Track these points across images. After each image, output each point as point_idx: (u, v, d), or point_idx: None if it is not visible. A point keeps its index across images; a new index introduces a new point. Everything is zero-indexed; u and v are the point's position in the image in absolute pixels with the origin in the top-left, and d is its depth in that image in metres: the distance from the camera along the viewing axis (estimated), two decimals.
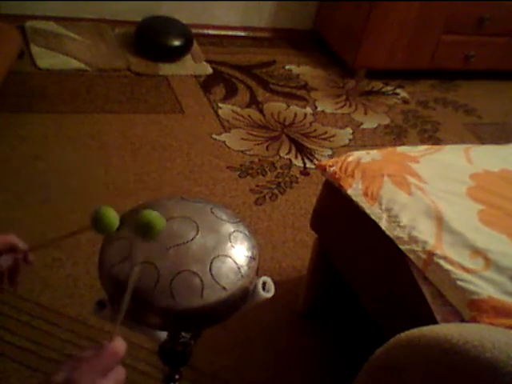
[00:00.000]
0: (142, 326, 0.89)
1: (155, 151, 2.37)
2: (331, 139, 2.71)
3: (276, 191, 2.31)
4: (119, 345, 0.67)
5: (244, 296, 0.88)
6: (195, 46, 3.11)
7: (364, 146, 2.63)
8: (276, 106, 2.86)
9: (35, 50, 2.78)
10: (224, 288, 0.84)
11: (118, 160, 2.28)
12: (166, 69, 2.93)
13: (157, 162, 2.32)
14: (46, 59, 2.74)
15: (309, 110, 2.89)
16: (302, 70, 3.23)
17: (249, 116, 2.74)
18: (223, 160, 2.40)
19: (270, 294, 0.91)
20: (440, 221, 1.31)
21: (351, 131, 2.79)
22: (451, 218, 1.32)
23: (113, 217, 0.81)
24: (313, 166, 2.48)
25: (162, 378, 1.11)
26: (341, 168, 1.51)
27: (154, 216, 0.79)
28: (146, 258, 0.85)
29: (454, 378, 0.88)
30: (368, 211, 1.39)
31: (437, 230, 1.30)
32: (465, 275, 1.20)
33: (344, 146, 2.67)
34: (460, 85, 3.40)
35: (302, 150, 2.59)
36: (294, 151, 2.57)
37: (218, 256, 0.86)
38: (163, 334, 1.00)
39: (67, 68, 2.74)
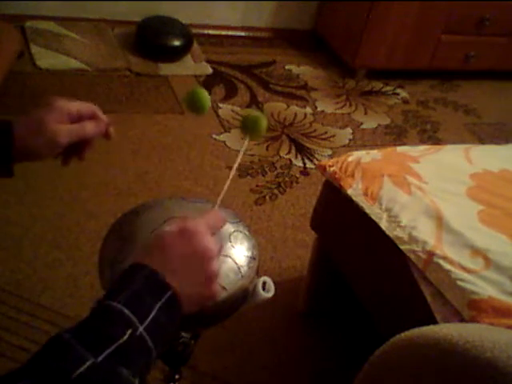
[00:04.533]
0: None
1: (155, 151, 2.37)
2: (331, 139, 2.71)
3: (276, 191, 2.31)
4: (222, 213, 0.73)
5: (244, 296, 0.88)
6: (195, 45, 3.11)
7: (364, 146, 2.63)
8: (276, 106, 2.86)
9: (35, 49, 2.78)
10: (224, 288, 0.84)
11: (118, 160, 2.28)
12: (166, 69, 2.92)
13: (157, 162, 2.32)
14: (46, 59, 2.74)
15: (309, 110, 2.89)
16: (302, 69, 3.23)
17: None
18: (223, 160, 2.40)
19: (270, 294, 0.90)
20: (440, 221, 1.31)
21: (351, 131, 2.79)
22: (451, 218, 1.32)
23: (206, 96, 0.86)
24: (313, 166, 2.48)
25: (162, 378, 1.11)
26: (341, 168, 1.51)
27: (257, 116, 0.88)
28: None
29: (454, 378, 0.88)
30: (368, 211, 1.40)
31: (437, 230, 1.30)
32: (465, 275, 1.20)
33: (344, 146, 2.67)
34: (460, 85, 3.40)
35: (302, 150, 2.59)
36: (293, 151, 2.57)
37: (218, 256, 0.86)
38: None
39: (67, 68, 2.74)
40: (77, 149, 0.85)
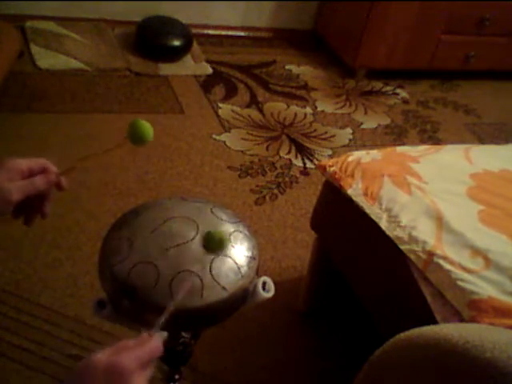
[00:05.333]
0: (142, 326, 0.89)
1: (155, 151, 2.37)
2: (331, 139, 2.71)
3: (276, 191, 2.31)
4: (159, 342, 0.68)
5: (244, 296, 0.88)
6: (195, 46, 3.11)
7: (364, 146, 2.63)
8: (276, 106, 2.86)
9: (35, 49, 2.78)
10: (224, 288, 0.84)
11: (118, 160, 2.28)
12: (166, 69, 2.92)
13: (157, 162, 2.32)
14: (46, 59, 2.74)
15: (309, 110, 2.89)
16: (302, 70, 3.23)
17: (249, 116, 2.73)
18: (223, 160, 2.40)
19: (270, 294, 0.91)
20: (440, 221, 1.31)
21: (351, 131, 2.79)
22: (451, 218, 1.31)
23: (148, 127, 0.86)
24: (313, 166, 2.48)
25: (162, 378, 1.11)
26: (341, 168, 1.51)
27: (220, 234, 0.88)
28: (146, 257, 0.85)
29: (454, 378, 0.88)
30: (368, 211, 1.39)
31: (437, 230, 1.30)
32: (465, 275, 1.20)
33: (344, 146, 2.67)
34: (460, 85, 3.40)
35: (302, 150, 2.59)
36: (293, 151, 2.57)
37: (218, 256, 0.86)
38: (163, 334, 1.00)
39: (67, 68, 2.74)
40: (36, 206, 0.87)
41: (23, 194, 0.80)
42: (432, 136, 2.88)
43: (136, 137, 0.85)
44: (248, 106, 2.81)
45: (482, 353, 0.82)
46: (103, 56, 2.87)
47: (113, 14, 3.09)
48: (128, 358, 0.63)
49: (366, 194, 1.42)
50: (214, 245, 0.86)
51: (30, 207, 0.85)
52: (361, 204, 1.41)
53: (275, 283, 0.91)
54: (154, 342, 0.68)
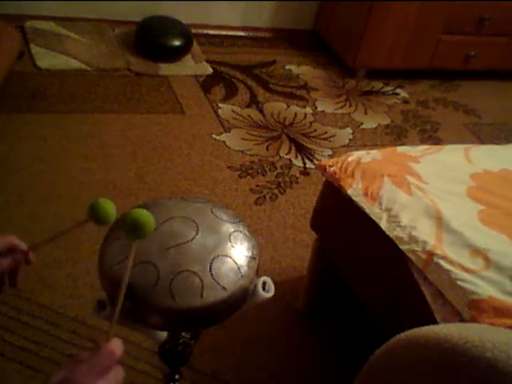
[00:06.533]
0: (142, 326, 0.89)
1: (155, 151, 2.37)
2: (331, 139, 2.71)
3: (276, 191, 2.31)
4: (116, 345, 0.67)
5: (244, 296, 0.88)
6: (195, 46, 3.11)
7: (364, 146, 2.63)
8: (276, 106, 2.86)
9: (35, 49, 2.78)
10: (224, 288, 0.84)
11: (118, 160, 2.28)
12: (166, 69, 2.92)
13: (157, 162, 2.32)
14: (46, 59, 2.74)
15: (309, 110, 2.89)
16: (302, 69, 3.23)
17: (249, 116, 2.74)
18: (223, 160, 2.40)
19: (270, 294, 0.91)
20: (440, 221, 1.31)
21: (351, 131, 2.79)
22: (451, 218, 1.32)
23: (110, 208, 0.80)
24: (313, 166, 2.48)
25: (162, 378, 1.11)
26: (341, 168, 1.51)
27: (142, 215, 0.75)
28: (146, 257, 0.85)
29: (454, 378, 0.88)
30: (368, 211, 1.39)
31: (437, 230, 1.30)
32: (465, 275, 1.20)
33: (344, 146, 2.67)
34: (460, 85, 3.40)
35: (302, 150, 2.59)
36: (293, 151, 2.57)
37: (218, 256, 0.86)
38: (163, 334, 1.00)
39: (67, 68, 2.74)
40: (4, 279, 0.87)
41: None
42: (432, 136, 2.88)
43: (98, 218, 0.81)
44: (248, 106, 2.81)
45: (482, 353, 0.82)
46: (103, 56, 2.87)
47: (113, 14, 3.09)
48: (79, 371, 0.64)
49: (366, 194, 1.42)
50: (129, 228, 0.76)
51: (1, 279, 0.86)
52: (361, 204, 1.41)
53: (275, 283, 0.91)
54: (108, 346, 0.67)
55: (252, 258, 0.89)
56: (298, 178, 2.41)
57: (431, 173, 1.48)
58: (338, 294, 1.79)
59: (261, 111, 2.79)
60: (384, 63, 3.21)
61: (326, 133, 2.74)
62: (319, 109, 2.91)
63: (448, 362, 0.88)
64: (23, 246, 0.87)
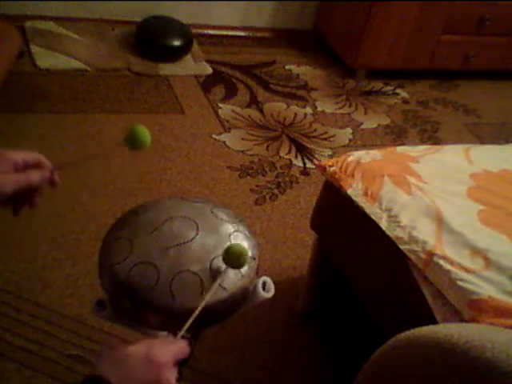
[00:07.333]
0: (142, 325, 0.89)
1: (155, 151, 2.37)
2: (331, 139, 2.71)
3: (276, 191, 2.31)
4: (186, 344, 0.72)
5: (244, 296, 0.88)
6: (195, 46, 3.11)
7: (364, 146, 2.63)
8: (276, 106, 2.86)
9: (35, 49, 2.78)
10: (224, 288, 0.84)
11: (118, 160, 2.28)
12: (166, 69, 2.92)
13: (157, 162, 2.32)
14: (46, 59, 2.74)
15: (309, 109, 2.89)
16: (302, 70, 3.23)
17: (249, 116, 2.74)
18: (223, 160, 2.40)
19: (270, 294, 0.91)
20: (440, 221, 1.31)
21: (351, 131, 2.79)
22: (451, 218, 1.32)
23: (147, 134, 0.86)
24: (313, 166, 2.48)
25: None
26: (341, 168, 1.51)
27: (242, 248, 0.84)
28: (147, 258, 0.85)
29: (453, 378, 0.88)
30: (368, 211, 1.39)
31: (437, 230, 1.30)
32: (465, 275, 1.20)
33: (344, 146, 2.67)
34: (460, 85, 3.40)
35: (302, 150, 2.59)
36: (293, 151, 2.57)
37: (218, 256, 0.86)
38: (163, 334, 1.00)
39: (67, 68, 2.74)
40: (26, 197, 0.85)
41: (17, 187, 0.80)
42: (432, 136, 2.88)
43: (134, 142, 0.85)
44: (248, 106, 2.81)
45: (482, 353, 0.82)
46: (103, 56, 2.87)
47: (113, 14, 3.09)
48: (164, 352, 0.68)
49: (366, 194, 1.42)
50: (234, 260, 0.83)
51: (20, 198, 0.84)
52: (361, 204, 1.41)
53: (275, 283, 0.91)
54: (183, 342, 0.72)
55: (252, 258, 0.89)
56: (297, 178, 2.41)
57: (431, 173, 1.48)
58: (338, 294, 1.79)
59: (261, 111, 2.79)
60: (384, 63, 3.21)
61: (325, 133, 2.74)
62: (319, 109, 2.91)
63: (448, 362, 0.88)
64: (50, 164, 0.84)
